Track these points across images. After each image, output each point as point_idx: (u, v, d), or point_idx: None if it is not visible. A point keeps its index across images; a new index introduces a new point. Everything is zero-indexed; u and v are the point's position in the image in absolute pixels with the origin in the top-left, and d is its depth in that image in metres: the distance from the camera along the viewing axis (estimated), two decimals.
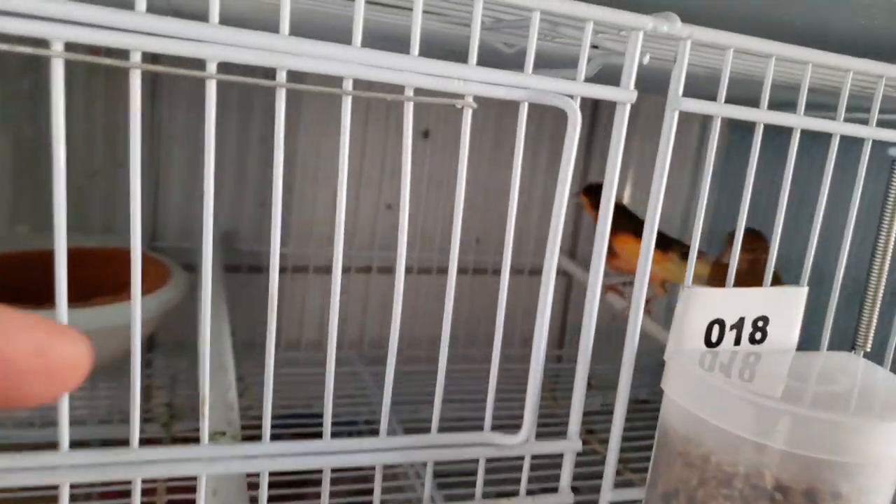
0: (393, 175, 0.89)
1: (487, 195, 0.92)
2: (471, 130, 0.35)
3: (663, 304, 0.88)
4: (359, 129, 0.86)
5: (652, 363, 0.62)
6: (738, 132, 1.00)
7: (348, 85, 0.32)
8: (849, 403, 0.38)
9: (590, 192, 0.79)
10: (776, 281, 0.50)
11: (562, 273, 0.94)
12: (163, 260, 0.69)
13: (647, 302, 0.78)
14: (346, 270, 0.88)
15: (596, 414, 0.82)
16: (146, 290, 0.61)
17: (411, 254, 0.91)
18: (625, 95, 0.37)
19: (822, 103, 0.48)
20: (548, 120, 0.93)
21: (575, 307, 1.00)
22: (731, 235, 0.59)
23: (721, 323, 0.43)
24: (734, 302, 0.43)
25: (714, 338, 0.43)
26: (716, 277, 0.67)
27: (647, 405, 0.85)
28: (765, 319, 0.44)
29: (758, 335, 0.44)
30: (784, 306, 0.45)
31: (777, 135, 0.44)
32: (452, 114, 0.85)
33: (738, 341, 0.44)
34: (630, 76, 0.37)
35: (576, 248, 0.99)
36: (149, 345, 0.81)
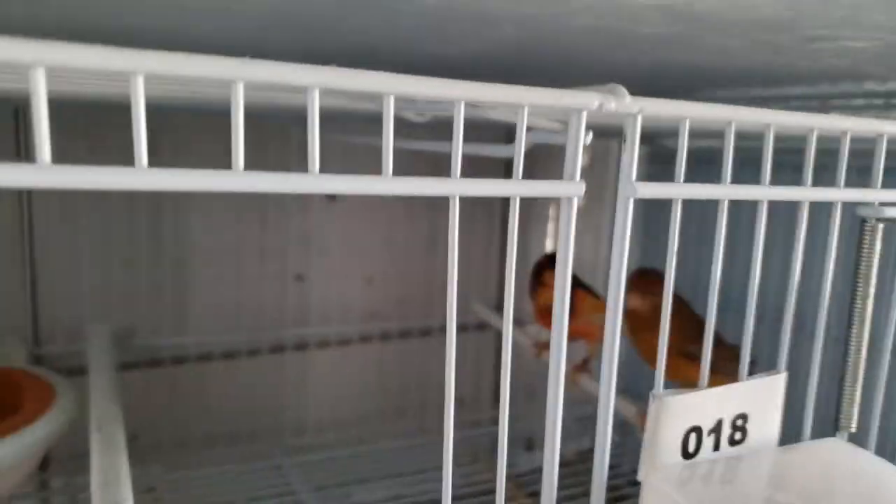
0: (299, 243, 0.80)
1: (406, 253, 0.84)
2: None
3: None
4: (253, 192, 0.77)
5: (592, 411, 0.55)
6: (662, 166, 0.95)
7: None
8: None
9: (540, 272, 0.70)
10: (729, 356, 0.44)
11: (491, 329, 0.87)
12: (44, 376, 0.59)
13: (586, 361, 0.72)
14: (255, 352, 0.79)
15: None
16: (25, 421, 0.52)
17: (327, 328, 0.83)
18: (571, 189, 0.30)
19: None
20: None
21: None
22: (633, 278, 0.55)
23: (698, 430, 0.37)
24: (709, 405, 0.37)
25: (692, 447, 0.37)
26: (630, 323, 0.62)
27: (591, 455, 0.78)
28: (744, 417, 0.39)
29: (737, 435, 0.39)
30: (762, 399, 0.39)
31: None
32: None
33: (717, 446, 0.38)
34: (575, 166, 0.30)
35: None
36: (42, 463, 0.70)
